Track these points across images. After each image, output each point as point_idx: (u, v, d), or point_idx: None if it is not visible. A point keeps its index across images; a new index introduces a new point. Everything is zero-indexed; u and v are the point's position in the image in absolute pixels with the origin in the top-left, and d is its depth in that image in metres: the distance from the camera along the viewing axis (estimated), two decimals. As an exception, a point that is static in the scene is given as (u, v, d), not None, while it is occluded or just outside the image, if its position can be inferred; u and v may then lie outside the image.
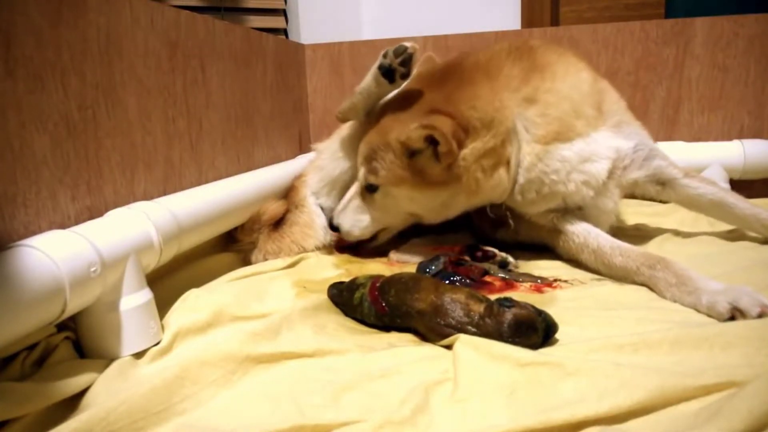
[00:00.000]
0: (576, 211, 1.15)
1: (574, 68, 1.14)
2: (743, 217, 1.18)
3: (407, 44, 1.12)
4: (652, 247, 1.22)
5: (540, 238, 1.21)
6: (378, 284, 0.90)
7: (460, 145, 1.06)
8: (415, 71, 1.17)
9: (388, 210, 1.20)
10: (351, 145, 1.32)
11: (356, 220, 1.24)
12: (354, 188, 1.24)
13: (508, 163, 1.09)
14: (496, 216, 1.22)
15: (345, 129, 1.36)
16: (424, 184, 1.11)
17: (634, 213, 1.48)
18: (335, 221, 1.26)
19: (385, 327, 0.88)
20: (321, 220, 1.34)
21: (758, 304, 0.79)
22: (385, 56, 1.13)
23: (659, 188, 1.19)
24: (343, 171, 1.33)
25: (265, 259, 1.26)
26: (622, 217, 1.43)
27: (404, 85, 1.19)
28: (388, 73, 1.13)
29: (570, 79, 1.11)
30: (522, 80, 1.09)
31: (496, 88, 1.08)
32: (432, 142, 1.05)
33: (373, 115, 1.26)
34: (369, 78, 1.18)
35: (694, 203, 1.20)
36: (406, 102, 1.13)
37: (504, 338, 0.74)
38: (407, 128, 1.06)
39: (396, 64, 1.12)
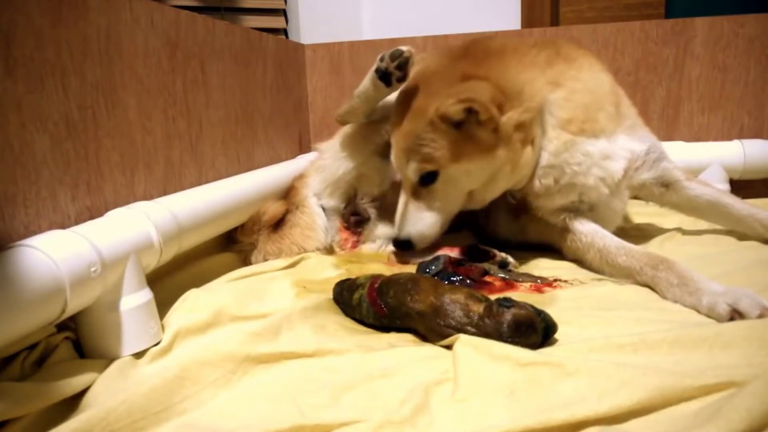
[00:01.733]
0: (587, 213, 1.16)
1: (597, 67, 1.17)
2: (741, 218, 1.19)
3: (403, 48, 1.12)
4: (653, 246, 1.22)
5: (549, 238, 1.22)
6: (376, 285, 0.89)
7: (501, 109, 1.03)
8: (424, 58, 1.18)
9: (450, 196, 1.13)
10: (354, 144, 1.32)
11: (422, 221, 1.14)
12: (402, 198, 1.17)
13: (532, 143, 1.09)
14: (517, 201, 1.21)
15: (347, 128, 1.36)
16: (478, 152, 1.06)
17: (635, 213, 1.48)
18: (402, 234, 1.15)
19: (385, 327, 0.88)
20: (322, 221, 1.33)
21: (758, 306, 0.79)
22: (381, 60, 1.13)
23: (663, 190, 1.20)
24: (347, 171, 1.32)
25: (265, 260, 1.26)
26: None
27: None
28: (384, 77, 1.14)
29: (593, 75, 1.14)
30: (548, 64, 1.11)
31: (524, 63, 1.09)
32: (471, 111, 1.02)
33: (377, 113, 1.26)
34: (367, 81, 1.18)
35: (693, 205, 1.22)
36: (433, 77, 1.11)
37: (503, 338, 0.74)
38: (445, 102, 1.02)
39: (392, 67, 1.12)
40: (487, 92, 1.01)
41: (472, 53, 1.12)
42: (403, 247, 1.17)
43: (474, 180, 1.11)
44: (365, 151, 1.31)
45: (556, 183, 1.13)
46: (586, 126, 1.10)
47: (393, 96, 1.21)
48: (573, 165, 1.11)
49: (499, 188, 1.15)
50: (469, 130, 1.04)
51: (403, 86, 1.16)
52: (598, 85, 1.13)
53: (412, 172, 1.11)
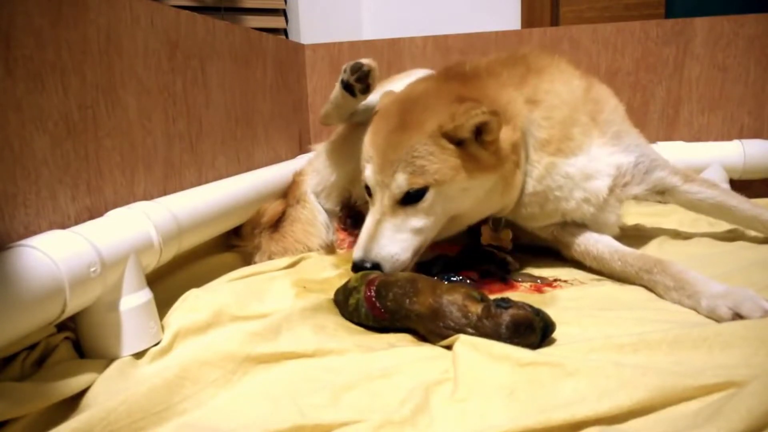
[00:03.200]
0: (576, 222, 1.14)
1: (568, 73, 1.15)
2: (744, 219, 1.19)
3: (364, 61, 1.12)
4: (652, 247, 1.22)
5: (543, 243, 1.21)
6: (373, 288, 0.88)
7: (499, 129, 1.00)
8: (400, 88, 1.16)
9: (434, 215, 1.02)
10: (345, 150, 1.32)
11: (397, 243, 1.00)
12: (372, 216, 1.03)
13: (519, 166, 1.07)
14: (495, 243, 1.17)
15: (337, 134, 1.36)
16: (477, 170, 1.00)
17: (634, 213, 1.47)
18: (370, 257, 0.99)
19: (385, 328, 0.88)
20: (323, 217, 1.34)
21: (760, 309, 0.78)
22: (344, 71, 1.14)
23: (659, 196, 1.19)
24: (340, 176, 1.33)
25: (270, 260, 1.26)
26: (623, 219, 1.43)
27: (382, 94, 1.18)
28: (347, 88, 1.15)
29: (566, 84, 1.12)
30: (522, 81, 1.09)
31: (501, 84, 1.08)
32: (479, 129, 0.98)
33: (359, 116, 1.26)
34: (336, 89, 1.19)
35: (695, 207, 1.21)
36: (425, 95, 1.06)
37: (503, 339, 0.74)
38: (455, 115, 0.96)
39: (352, 80, 1.13)
40: (491, 106, 0.98)
41: (454, 76, 1.10)
42: (358, 270, 0.98)
43: (468, 199, 1.04)
44: (355, 157, 1.31)
45: (541, 209, 1.11)
46: (563, 145, 1.07)
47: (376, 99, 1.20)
48: (555, 190, 1.09)
49: (486, 212, 1.10)
50: (469, 148, 1.00)
51: (384, 103, 1.13)
52: (571, 95, 1.10)
53: (397, 185, 0.99)
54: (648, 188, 1.16)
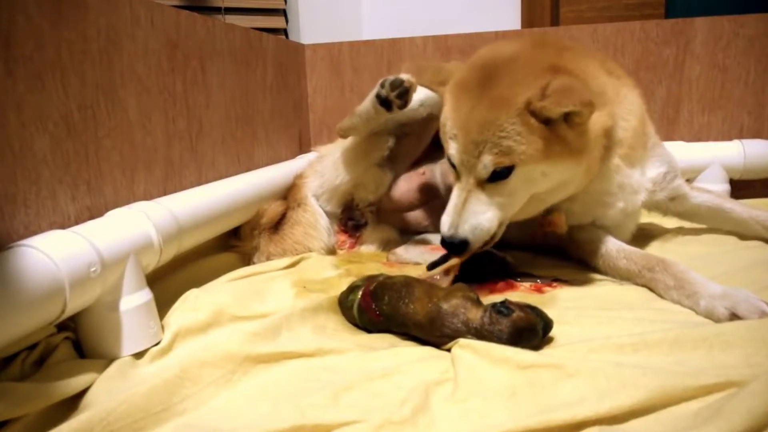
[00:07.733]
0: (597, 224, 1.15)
1: (636, 91, 1.15)
2: (743, 221, 1.20)
3: (404, 77, 1.11)
4: (655, 246, 1.22)
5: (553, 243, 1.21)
6: (371, 289, 0.87)
7: (589, 117, 0.95)
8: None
9: (515, 197, 1.00)
10: (355, 158, 1.32)
11: (482, 215, 0.98)
12: (458, 193, 1.01)
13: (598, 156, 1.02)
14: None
15: (350, 140, 1.35)
16: (562, 155, 0.96)
17: (635, 213, 1.48)
18: (459, 233, 0.97)
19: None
20: (324, 221, 1.33)
21: (757, 310, 0.79)
22: (382, 86, 1.13)
23: (669, 203, 1.21)
24: (344, 181, 1.32)
25: (269, 260, 1.25)
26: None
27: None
28: (385, 103, 1.14)
29: (635, 96, 1.13)
30: (609, 75, 1.08)
31: (596, 67, 1.04)
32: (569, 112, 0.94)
33: (379, 126, 1.24)
34: (368, 103, 1.17)
35: (695, 213, 1.23)
36: (513, 64, 0.99)
37: (505, 345, 0.73)
38: (545, 91, 0.92)
39: (393, 96, 1.12)
40: (585, 92, 0.93)
41: (549, 44, 1.05)
42: (456, 251, 0.99)
43: (546, 183, 1.00)
44: (365, 164, 1.31)
45: (583, 209, 1.11)
46: (631, 152, 1.08)
47: None
48: (605, 196, 1.09)
49: (558, 198, 1.05)
50: (558, 129, 0.95)
51: (463, 72, 1.05)
52: (640, 108, 1.12)
53: (483, 166, 0.96)
54: (666, 195, 1.18)
